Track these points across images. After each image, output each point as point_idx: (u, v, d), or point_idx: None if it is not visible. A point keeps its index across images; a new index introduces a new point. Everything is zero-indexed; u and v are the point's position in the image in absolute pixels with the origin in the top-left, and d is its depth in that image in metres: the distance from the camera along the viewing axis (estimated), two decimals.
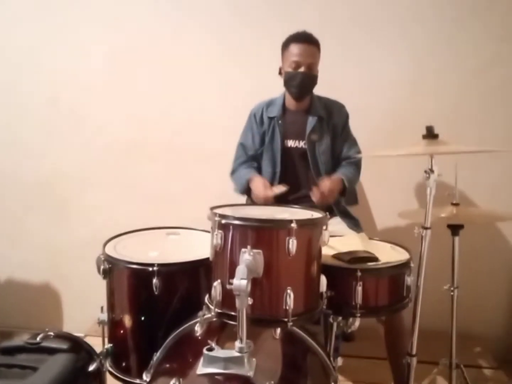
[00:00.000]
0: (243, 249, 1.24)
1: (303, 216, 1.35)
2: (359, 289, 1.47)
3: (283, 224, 1.26)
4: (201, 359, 1.23)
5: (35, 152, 2.88)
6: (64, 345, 1.34)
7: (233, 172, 2.27)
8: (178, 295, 1.61)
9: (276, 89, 2.34)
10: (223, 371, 1.18)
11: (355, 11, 2.54)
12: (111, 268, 1.64)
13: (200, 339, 1.41)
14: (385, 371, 2.07)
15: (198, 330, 1.43)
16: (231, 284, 1.17)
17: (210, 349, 1.21)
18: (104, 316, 1.79)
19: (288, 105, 2.20)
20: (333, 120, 2.18)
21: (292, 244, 1.23)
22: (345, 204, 2.16)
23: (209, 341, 1.25)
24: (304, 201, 2.03)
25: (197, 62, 2.72)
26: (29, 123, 2.87)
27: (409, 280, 1.58)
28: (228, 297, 1.30)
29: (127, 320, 1.64)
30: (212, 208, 1.41)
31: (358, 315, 1.49)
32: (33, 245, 2.96)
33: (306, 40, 2.03)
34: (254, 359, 1.21)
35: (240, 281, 1.15)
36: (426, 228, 1.40)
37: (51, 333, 1.79)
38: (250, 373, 1.17)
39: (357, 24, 2.54)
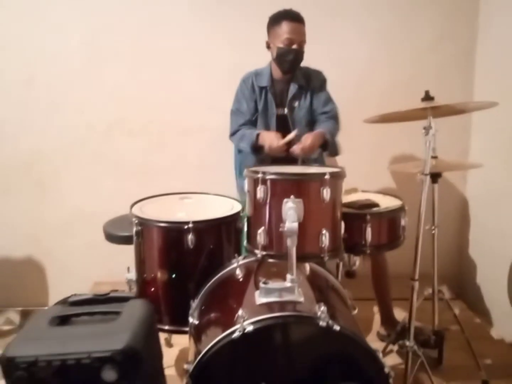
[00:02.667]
0: (285, 199, 1.47)
1: (325, 170, 1.58)
2: (369, 230, 1.76)
3: (319, 176, 1.51)
4: (256, 292, 1.46)
5: (13, 131, 2.89)
6: (131, 294, 1.50)
7: (233, 134, 2.44)
8: (206, 249, 1.81)
9: (254, 65, 2.54)
10: (279, 299, 1.42)
11: None
12: (142, 230, 1.81)
13: (242, 279, 1.65)
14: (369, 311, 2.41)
15: (239, 272, 1.66)
16: (283, 227, 1.41)
17: (266, 283, 1.45)
18: (132, 275, 1.96)
19: (275, 75, 2.41)
20: (311, 85, 2.42)
21: (326, 193, 1.48)
22: (329, 155, 2.40)
23: (260, 277, 1.49)
24: (290, 161, 2.23)
25: (175, 39, 2.83)
26: (4, 102, 2.86)
27: (403, 221, 1.90)
28: (271, 241, 1.54)
29: (161, 275, 1.82)
30: (248, 168, 1.63)
31: (368, 251, 1.79)
32: (14, 222, 2.98)
33: (298, 19, 2.23)
34: (300, 288, 1.46)
35: (292, 224, 1.39)
36: (426, 175, 1.70)
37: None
38: (301, 299, 1.42)
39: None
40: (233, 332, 1.30)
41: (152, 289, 1.87)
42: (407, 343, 1.80)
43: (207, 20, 2.83)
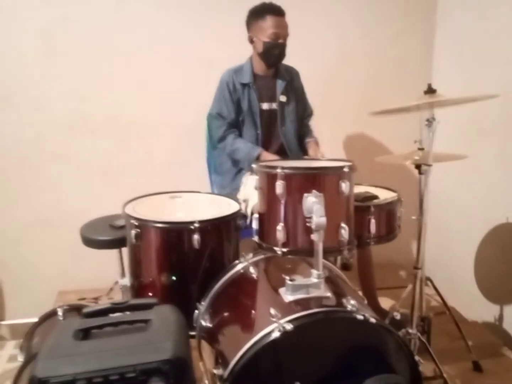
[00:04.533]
0: (305, 194, 1.45)
1: (342, 164, 1.58)
2: (373, 222, 1.78)
3: (338, 169, 1.50)
4: (281, 290, 1.44)
5: None
6: (153, 300, 1.40)
7: (221, 140, 2.38)
8: (210, 249, 1.75)
9: (224, 59, 2.52)
10: (307, 296, 1.40)
11: None
12: (141, 232, 1.72)
13: (257, 277, 1.61)
14: None
15: (254, 271, 1.62)
16: (310, 223, 1.39)
17: (292, 280, 1.42)
18: (126, 281, 1.87)
19: (257, 71, 2.38)
20: (294, 84, 2.47)
21: (345, 186, 1.48)
22: None
23: (283, 275, 1.46)
24: (279, 154, 2.35)
25: (141, 31, 2.70)
26: None
27: (399, 212, 1.95)
28: (288, 237, 1.52)
29: (163, 278, 1.74)
30: (261, 164, 1.59)
31: (372, 243, 1.81)
32: None
33: (282, 13, 2.22)
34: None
35: (320, 219, 1.37)
36: (429, 165, 1.75)
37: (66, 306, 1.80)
38: (329, 294, 1.42)
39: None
40: (271, 331, 1.27)
41: (151, 293, 1.78)
42: (410, 330, 1.85)
43: (175, 13, 2.72)
